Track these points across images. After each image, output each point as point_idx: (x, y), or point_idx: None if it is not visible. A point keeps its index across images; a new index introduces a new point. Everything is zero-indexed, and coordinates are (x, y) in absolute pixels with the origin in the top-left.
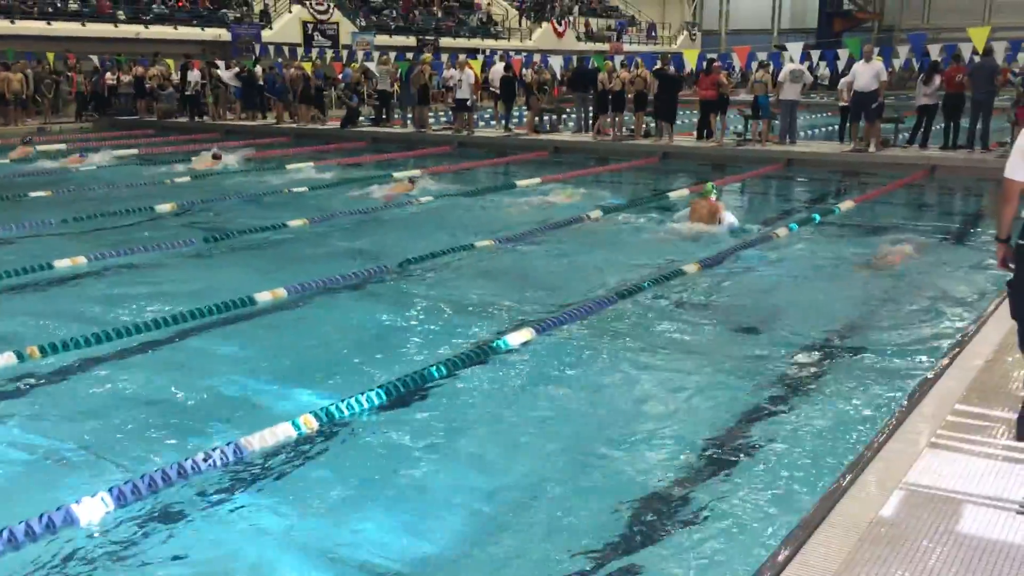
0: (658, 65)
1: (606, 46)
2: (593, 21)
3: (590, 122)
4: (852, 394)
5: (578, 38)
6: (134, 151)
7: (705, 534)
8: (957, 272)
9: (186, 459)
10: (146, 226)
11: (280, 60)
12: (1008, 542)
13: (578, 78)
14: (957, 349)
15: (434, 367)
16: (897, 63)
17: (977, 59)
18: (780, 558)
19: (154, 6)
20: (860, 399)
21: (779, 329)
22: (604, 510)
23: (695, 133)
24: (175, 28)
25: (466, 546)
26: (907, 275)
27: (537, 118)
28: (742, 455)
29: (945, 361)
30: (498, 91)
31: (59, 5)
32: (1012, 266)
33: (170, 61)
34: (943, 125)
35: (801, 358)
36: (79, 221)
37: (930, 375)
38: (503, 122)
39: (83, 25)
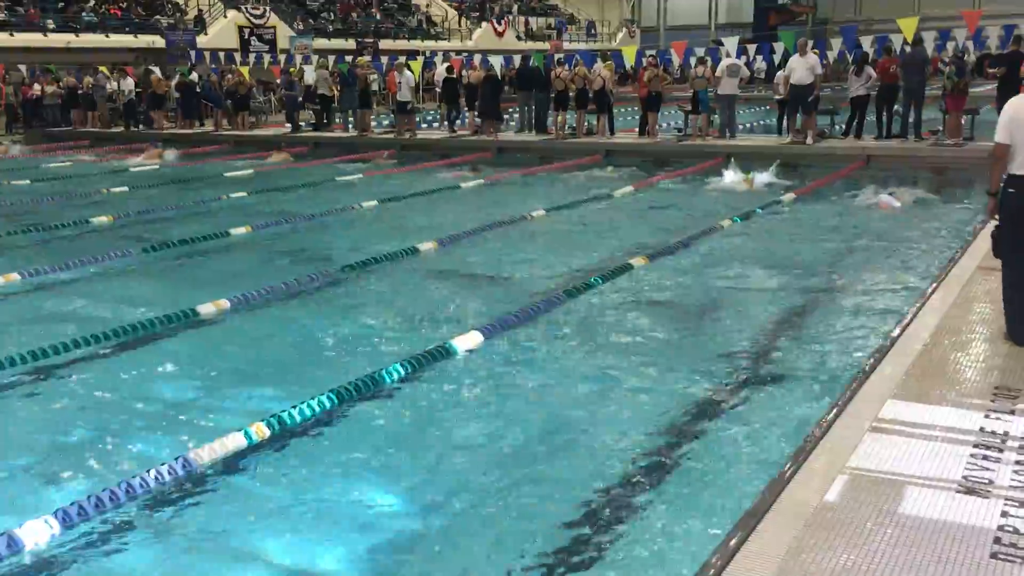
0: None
1: (546, 45)
2: (533, 20)
3: (533, 121)
4: (796, 382)
5: (518, 37)
6: (68, 163)
7: (655, 525)
8: (896, 258)
9: (134, 476)
10: (83, 239)
11: (216, 66)
12: (948, 521)
13: (522, 77)
14: (896, 334)
15: (384, 371)
16: (831, 55)
17: (908, 49)
18: (729, 545)
19: (84, 14)
20: (803, 386)
21: (726, 320)
22: (553, 508)
23: (636, 130)
24: (107, 36)
25: (410, 552)
26: (847, 260)
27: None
28: (690, 445)
29: (885, 346)
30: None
31: None
32: (998, 217)
33: (104, 68)
34: (875, 116)
35: (747, 348)
36: (11, 235)
37: (871, 360)
38: (447, 123)
39: (11, 35)
